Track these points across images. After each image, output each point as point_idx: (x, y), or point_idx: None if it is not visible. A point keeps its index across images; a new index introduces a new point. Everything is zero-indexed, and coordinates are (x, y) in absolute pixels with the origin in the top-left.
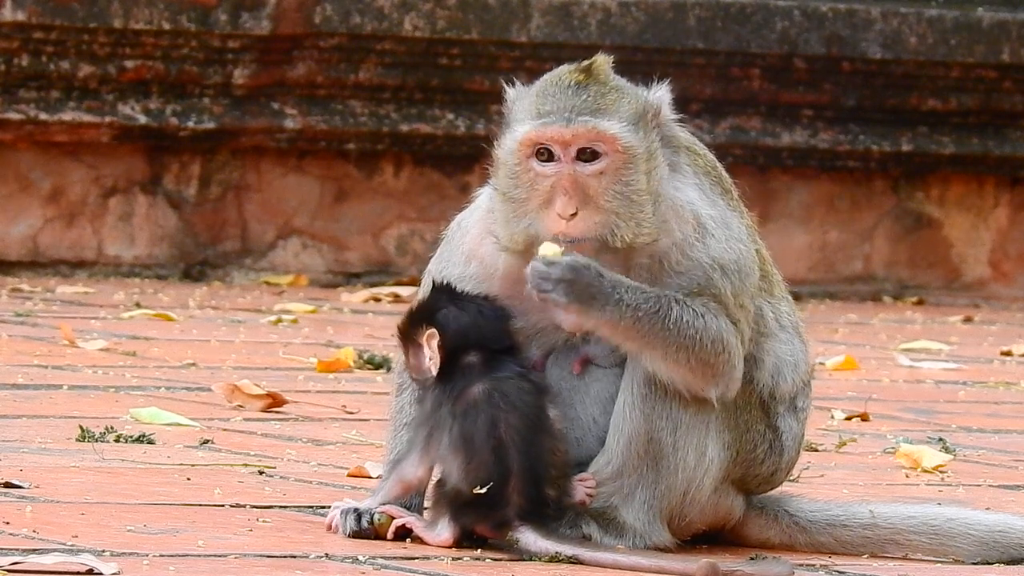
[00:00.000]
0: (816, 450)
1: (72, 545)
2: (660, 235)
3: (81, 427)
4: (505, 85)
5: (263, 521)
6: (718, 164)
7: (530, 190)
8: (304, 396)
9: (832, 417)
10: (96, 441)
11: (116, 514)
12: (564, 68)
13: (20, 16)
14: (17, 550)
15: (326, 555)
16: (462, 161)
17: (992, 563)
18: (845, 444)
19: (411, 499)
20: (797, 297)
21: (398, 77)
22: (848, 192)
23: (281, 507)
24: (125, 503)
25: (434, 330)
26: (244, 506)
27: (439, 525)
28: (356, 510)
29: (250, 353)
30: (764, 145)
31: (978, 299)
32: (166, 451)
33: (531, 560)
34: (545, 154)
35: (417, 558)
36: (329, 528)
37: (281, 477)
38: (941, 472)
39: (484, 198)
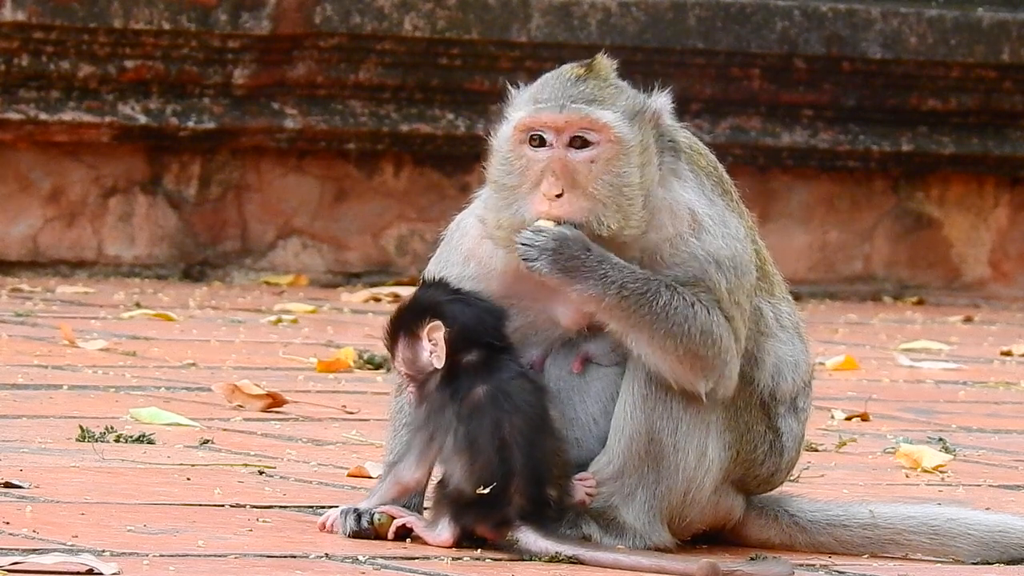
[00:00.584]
0: (816, 450)
1: (72, 545)
2: (649, 230)
3: (81, 427)
4: (509, 86)
5: (263, 521)
6: (720, 166)
7: (521, 176)
8: (304, 396)
9: (832, 417)
10: (96, 441)
11: (116, 514)
12: (568, 64)
13: (20, 16)
14: (17, 550)
15: (326, 555)
16: (462, 161)
17: (992, 563)
18: (845, 444)
19: (411, 499)
20: (797, 297)
21: (398, 77)
22: (848, 192)
23: (281, 507)
24: (125, 503)
25: (438, 322)
26: (244, 506)
27: (439, 525)
28: (356, 510)
29: (250, 353)
30: (764, 145)
31: (978, 299)
32: (166, 451)
33: (531, 560)
34: (538, 140)
35: (417, 558)
36: (322, 528)
37: (281, 477)
38: (941, 472)
39: (482, 199)
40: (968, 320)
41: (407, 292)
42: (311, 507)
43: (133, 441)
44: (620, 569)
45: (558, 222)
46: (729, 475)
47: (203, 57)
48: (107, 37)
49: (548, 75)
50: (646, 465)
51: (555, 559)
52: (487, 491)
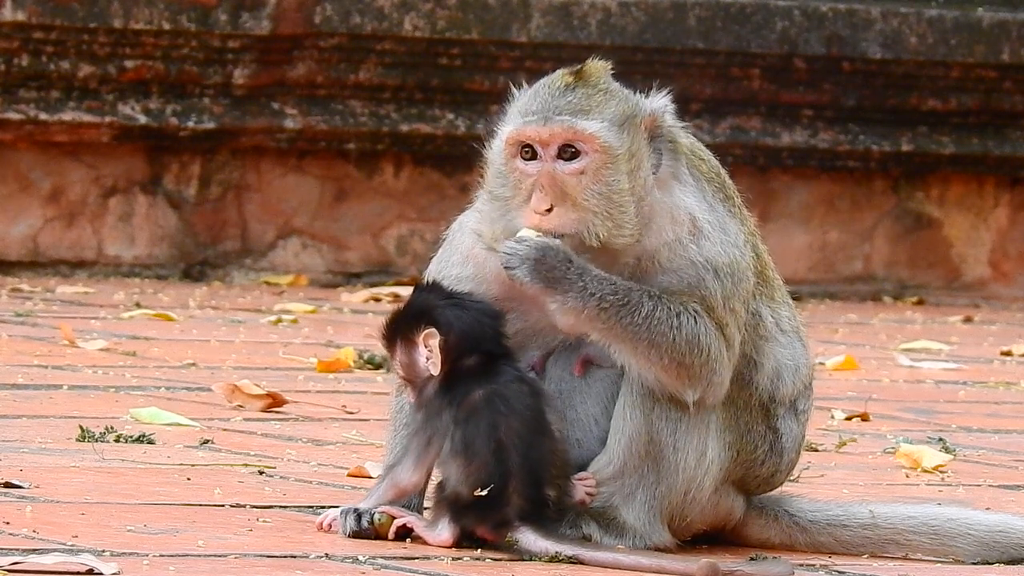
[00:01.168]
0: (816, 450)
1: (72, 545)
2: (642, 237)
3: (81, 427)
4: (512, 87)
5: (263, 521)
6: (722, 170)
7: (514, 188)
8: (304, 396)
9: (832, 417)
10: (96, 441)
11: (116, 514)
12: (559, 71)
13: (20, 16)
14: (17, 550)
15: (326, 555)
16: (462, 161)
17: (992, 563)
18: (845, 444)
19: (410, 500)
20: (797, 297)
21: (398, 77)
22: (848, 192)
23: (281, 507)
24: (125, 503)
25: (433, 329)
26: (244, 506)
27: (439, 525)
28: (356, 510)
29: (250, 353)
30: (764, 145)
31: (978, 299)
32: (166, 451)
33: (531, 560)
34: (529, 152)
35: (417, 558)
36: (319, 528)
37: (281, 477)
38: (941, 472)
39: (478, 208)
40: (968, 320)
41: (407, 292)
42: (311, 507)
43: (133, 441)
44: (620, 569)
45: (547, 234)
46: (729, 475)
47: (203, 57)
48: (107, 37)
49: (538, 84)
50: (646, 465)
51: (555, 559)
52: (484, 493)
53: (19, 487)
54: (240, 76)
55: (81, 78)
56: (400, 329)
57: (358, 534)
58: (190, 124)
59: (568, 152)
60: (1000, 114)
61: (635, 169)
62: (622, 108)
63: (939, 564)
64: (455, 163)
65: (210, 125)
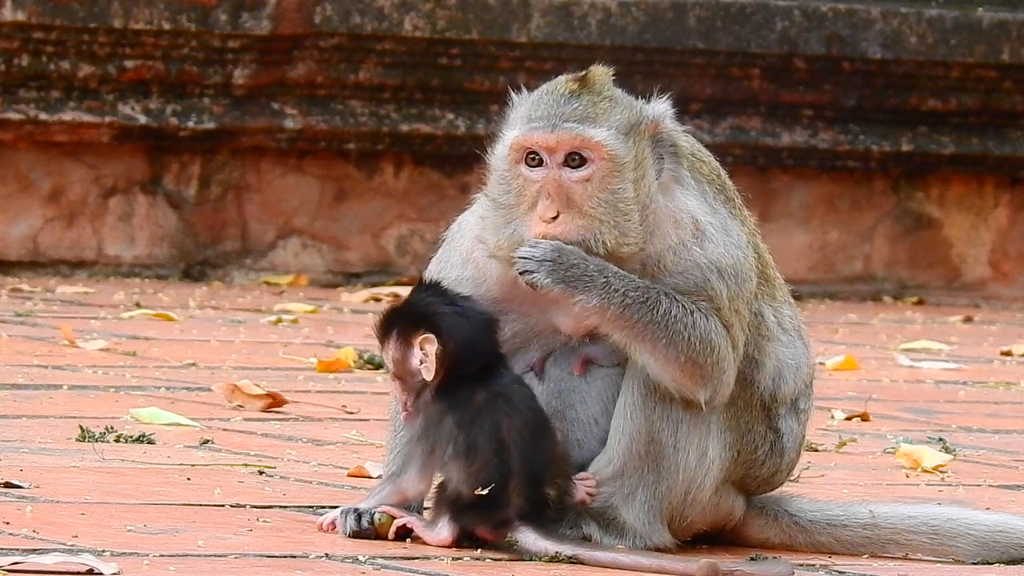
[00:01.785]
0: (816, 450)
1: (72, 545)
2: (647, 244)
3: (81, 427)
4: (511, 90)
5: (263, 521)
6: (723, 172)
7: (519, 195)
8: (304, 396)
9: (832, 417)
10: (96, 441)
11: (116, 514)
12: (562, 77)
13: (20, 16)
14: (17, 550)
15: (326, 555)
16: (462, 161)
17: (992, 563)
18: (845, 444)
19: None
20: (797, 297)
21: (398, 77)
22: (848, 192)
23: (281, 507)
24: (125, 503)
25: (432, 336)
26: (244, 506)
27: (439, 525)
28: (356, 510)
29: (250, 353)
30: (764, 145)
31: (978, 299)
32: (166, 451)
33: (531, 560)
34: (535, 159)
35: (417, 558)
36: (320, 529)
37: (281, 477)
38: (941, 472)
39: (480, 214)
40: (968, 320)
41: (407, 292)
42: (311, 507)
43: (133, 441)
44: (620, 569)
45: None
46: (729, 475)
47: (203, 57)
48: (107, 37)
49: (542, 90)
50: (646, 465)
51: (555, 559)
52: (485, 492)
53: (19, 487)
54: (240, 76)
55: (81, 78)
56: (398, 327)
57: (358, 534)
58: (190, 124)
59: (575, 160)
60: (1000, 114)
61: (640, 177)
62: (627, 116)
63: (939, 564)
64: (455, 163)
65: (210, 125)
